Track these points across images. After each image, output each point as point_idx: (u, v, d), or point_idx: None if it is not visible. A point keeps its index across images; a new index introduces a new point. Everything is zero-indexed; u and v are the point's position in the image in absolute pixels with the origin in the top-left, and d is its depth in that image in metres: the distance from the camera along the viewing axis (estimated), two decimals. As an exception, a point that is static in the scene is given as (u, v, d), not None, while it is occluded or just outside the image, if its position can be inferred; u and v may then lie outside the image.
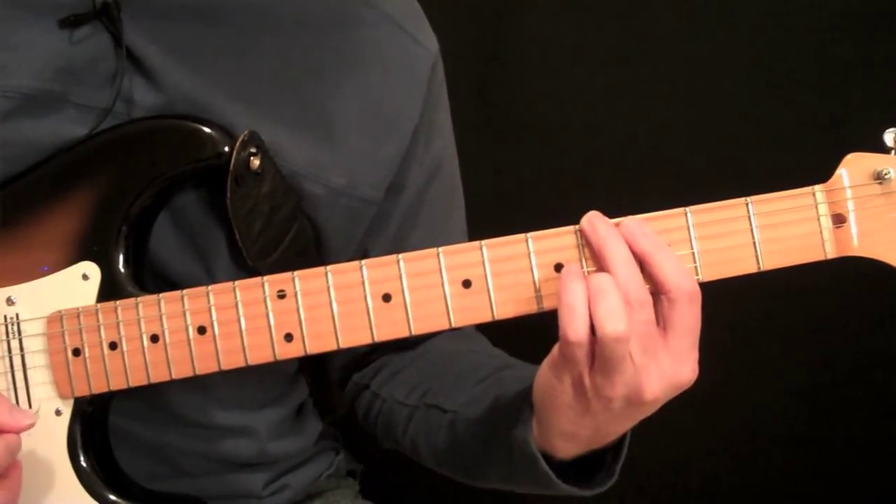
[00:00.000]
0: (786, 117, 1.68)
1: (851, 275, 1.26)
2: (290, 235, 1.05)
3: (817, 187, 0.91)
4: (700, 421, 1.76)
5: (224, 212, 0.99)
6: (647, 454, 1.79)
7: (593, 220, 0.89)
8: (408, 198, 1.16)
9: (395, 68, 1.13)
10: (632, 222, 0.88)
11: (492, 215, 1.63)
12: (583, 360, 0.84)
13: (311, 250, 1.09)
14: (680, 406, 1.75)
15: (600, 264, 0.88)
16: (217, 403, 1.11)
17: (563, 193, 1.72)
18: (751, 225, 0.90)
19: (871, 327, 1.69)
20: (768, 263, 0.90)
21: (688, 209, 0.90)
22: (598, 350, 0.83)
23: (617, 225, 0.88)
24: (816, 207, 0.90)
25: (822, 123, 1.67)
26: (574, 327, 0.83)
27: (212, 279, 1.00)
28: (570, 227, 0.91)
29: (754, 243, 0.90)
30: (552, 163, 1.74)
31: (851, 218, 0.90)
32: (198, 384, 1.02)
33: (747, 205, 0.90)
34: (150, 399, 1.05)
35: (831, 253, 0.90)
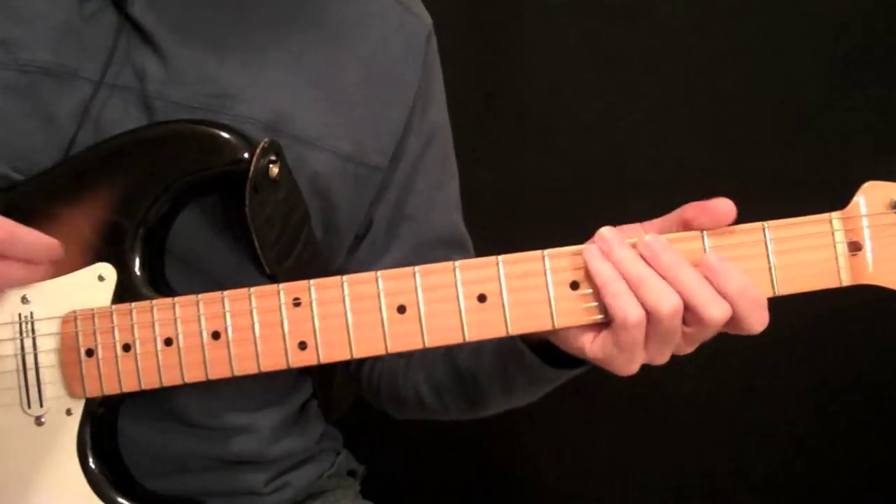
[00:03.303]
0: (787, 117, 1.70)
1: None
2: (301, 239, 1.06)
3: (834, 214, 0.92)
4: (700, 421, 1.78)
5: (241, 218, 0.99)
6: (648, 454, 1.82)
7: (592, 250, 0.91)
8: (405, 165, 1.17)
9: (394, 37, 1.16)
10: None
11: (491, 215, 1.65)
12: (641, 340, 0.88)
13: (320, 254, 1.11)
14: (680, 406, 1.78)
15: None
16: (220, 403, 1.11)
17: (563, 193, 1.73)
18: (767, 250, 0.90)
19: (871, 327, 1.71)
20: (783, 289, 0.91)
21: (705, 232, 0.90)
22: (654, 329, 0.87)
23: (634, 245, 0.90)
24: (833, 234, 0.91)
25: (822, 123, 1.68)
26: (632, 306, 0.87)
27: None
28: (589, 245, 0.91)
29: (770, 268, 0.90)
30: (552, 162, 1.75)
31: (867, 246, 0.91)
32: (202, 384, 1.03)
33: (764, 230, 0.91)
34: (153, 398, 1.05)
35: (846, 280, 0.91)
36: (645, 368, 0.93)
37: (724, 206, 0.89)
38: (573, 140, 1.73)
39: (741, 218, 0.91)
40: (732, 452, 1.80)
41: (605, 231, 0.90)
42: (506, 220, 1.70)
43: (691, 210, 0.90)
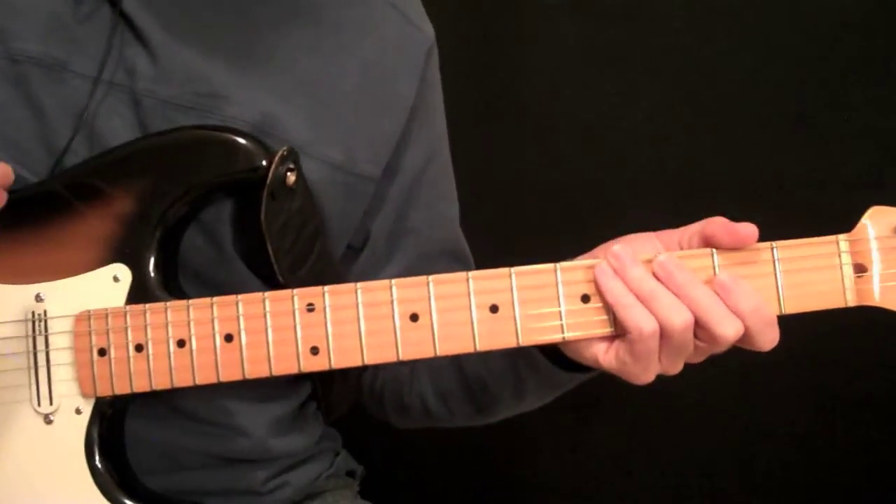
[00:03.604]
0: (787, 117, 1.71)
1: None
2: (315, 251, 1.06)
3: (841, 236, 0.93)
4: (700, 421, 1.79)
5: (255, 225, 0.99)
6: (648, 454, 1.83)
7: (605, 269, 0.92)
8: (405, 179, 1.17)
9: (391, 48, 1.15)
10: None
11: (492, 217, 1.65)
12: (656, 350, 0.90)
13: (333, 267, 1.11)
14: (680, 406, 1.80)
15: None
16: (218, 399, 1.11)
17: (564, 194, 1.73)
18: (775, 269, 0.92)
19: (871, 327, 1.72)
20: (790, 307, 0.92)
21: (714, 250, 0.92)
22: (666, 343, 0.89)
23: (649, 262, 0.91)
24: (840, 256, 0.92)
25: (822, 123, 1.69)
26: (646, 318, 0.89)
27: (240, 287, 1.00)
28: (601, 261, 0.93)
29: (777, 287, 0.92)
30: (552, 163, 1.76)
31: (874, 269, 0.93)
32: None
33: (772, 249, 0.92)
34: (156, 392, 1.06)
35: (852, 301, 0.93)
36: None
37: (748, 230, 0.90)
38: (574, 141, 1.74)
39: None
40: (732, 452, 1.82)
41: (618, 249, 0.91)
42: (507, 221, 1.71)
43: (714, 227, 0.91)
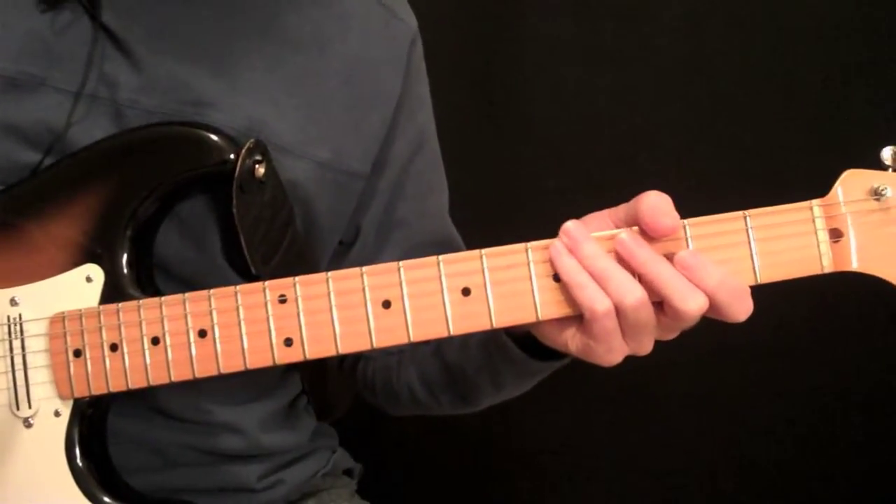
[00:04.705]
0: (786, 117, 1.70)
1: (851, 274, 1.27)
2: (286, 240, 1.06)
3: (815, 202, 0.91)
4: (700, 420, 1.77)
5: (228, 219, 0.99)
6: (648, 454, 1.82)
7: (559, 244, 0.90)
8: (393, 171, 1.17)
9: (375, 42, 1.15)
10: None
11: (491, 215, 1.65)
12: (615, 329, 0.87)
13: (304, 255, 1.10)
14: (680, 405, 1.78)
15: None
16: (205, 397, 1.11)
17: (563, 193, 1.73)
18: (748, 238, 0.90)
19: (871, 327, 1.71)
20: (766, 276, 0.90)
21: (686, 222, 0.90)
22: (623, 322, 0.87)
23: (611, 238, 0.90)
24: (814, 221, 0.91)
25: (821, 123, 1.69)
26: (599, 298, 0.87)
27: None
28: (556, 239, 0.91)
29: (752, 256, 0.90)
30: (551, 162, 1.76)
31: (849, 233, 0.91)
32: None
33: (745, 218, 0.90)
34: (139, 393, 1.05)
35: (828, 267, 0.91)
36: (646, 369, 0.92)
37: (664, 225, 0.89)
38: (573, 140, 1.74)
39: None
40: (732, 452, 1.80)
41: (570, 226, 0.90)
42: (505, 220, 1.70)
43: (640, 211, 0.90)
